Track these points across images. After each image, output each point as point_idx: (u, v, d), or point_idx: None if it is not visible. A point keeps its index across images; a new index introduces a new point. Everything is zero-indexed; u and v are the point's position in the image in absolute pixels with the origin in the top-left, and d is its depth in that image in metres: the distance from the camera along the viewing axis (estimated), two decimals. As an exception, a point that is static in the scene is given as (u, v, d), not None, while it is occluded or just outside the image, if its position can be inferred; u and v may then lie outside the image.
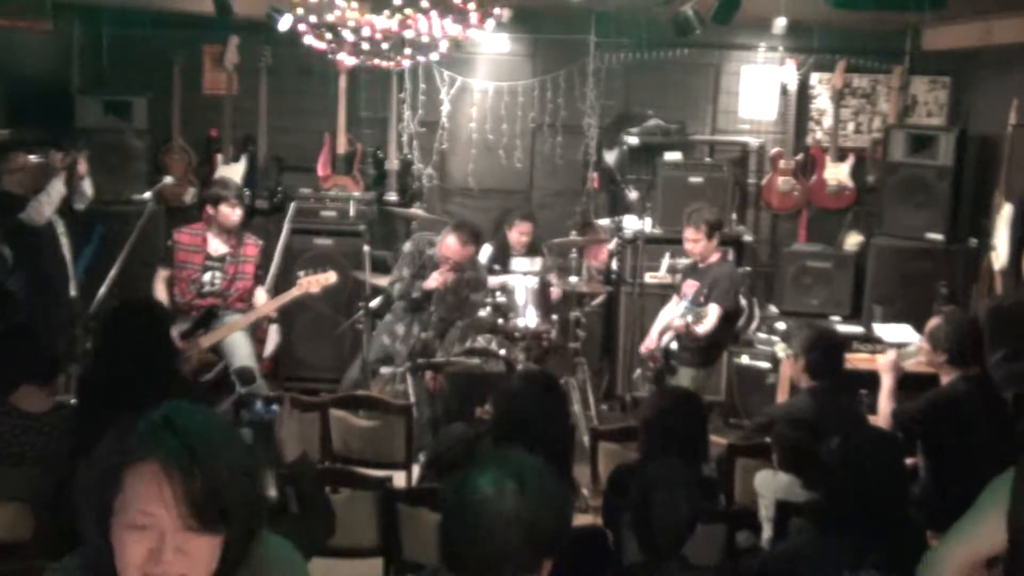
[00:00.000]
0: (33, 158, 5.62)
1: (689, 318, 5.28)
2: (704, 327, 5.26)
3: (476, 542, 1.77)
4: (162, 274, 5.61)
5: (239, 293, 5.68)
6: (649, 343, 5.77)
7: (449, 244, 5.59)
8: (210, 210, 5.62)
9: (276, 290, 6.01)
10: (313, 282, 5.52)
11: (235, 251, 5.66)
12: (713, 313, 5.31)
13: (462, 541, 1.80)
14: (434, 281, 5.59)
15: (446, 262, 5.60)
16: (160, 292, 5.56)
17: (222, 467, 1.43)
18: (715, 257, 5.67)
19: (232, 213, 5.57)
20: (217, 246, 5.64)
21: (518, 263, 6.76)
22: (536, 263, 6.76)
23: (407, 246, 5.79)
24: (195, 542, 1.42)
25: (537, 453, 1.93)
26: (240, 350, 5.51)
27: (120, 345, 3.59)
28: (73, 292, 5.64)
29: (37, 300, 5.52)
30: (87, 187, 5.86)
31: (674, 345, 5.59)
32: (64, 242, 5.78)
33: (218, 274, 5.63)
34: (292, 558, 1.76)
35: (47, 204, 5.52)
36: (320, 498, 2.82)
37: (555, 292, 6.55)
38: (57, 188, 5.59)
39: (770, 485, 3.51)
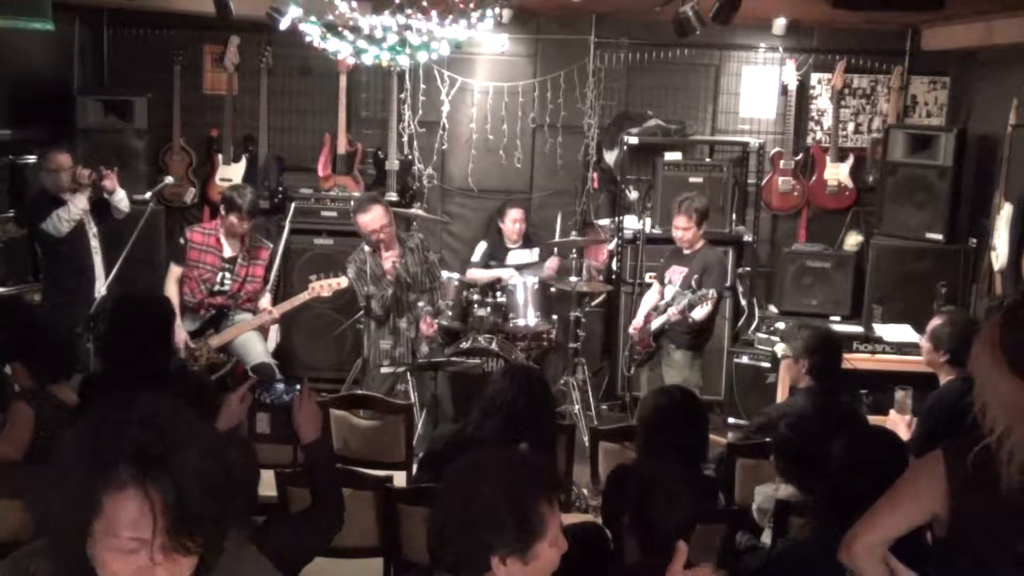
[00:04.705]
0: (69, 159, 5.63)
1: (684, 304, 5.36)
2: (701, 313, 5.31)
3: (430, 543, 1.96)
4: (175, 272, 5.64)
5: (249, 294, 5.70)
6: (637, 324, 5.86)
7: (369, 223, 5.45)
8: (222, 210, 5.65)
9: (277, 289, 6.02)
10: (324, 286, 5.54)
11: (247, 254, 5.68)
12: (711, 299, 5.31)
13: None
14: (388, 263, 5.48)
15: (381, 239, 5.48)
16: (172, 289, 5.59)
17: (200, 479, 1.43)
18: (700, 244, 5.73)
19: (239, 225, 5.59)
20: (230, 248, 5.67)
21: (514, 255, 6.77)
22: (534, 254, 6.78)
23: (350, 273, 5.64)
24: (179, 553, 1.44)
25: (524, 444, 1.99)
26: (255, 348, 5.56)
27: (120, 339, 3.64)
28: (101, 292, 5.64)
29: (54, 302, 5.53)
30: (120, 201, 5.76)
31: (654, 325, 5.69)
32: (95, 244, 5.77)
33: (228, 275, 5.65)
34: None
35: (66, 221, 5.52)
36: (333, 484, 2.84)
37: (551, 265, 6.58)
38: (79, 204, 5.58)
39: (770, 499, 3.49)
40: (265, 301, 5.73)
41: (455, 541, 1.87)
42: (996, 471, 2.17)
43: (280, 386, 2.87)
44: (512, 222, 6.77)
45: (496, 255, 6.79)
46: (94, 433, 1.44)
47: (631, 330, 5.95)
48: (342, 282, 5.60)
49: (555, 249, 6.75)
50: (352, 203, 6.07)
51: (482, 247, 6.86)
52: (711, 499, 3.52)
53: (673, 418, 3.41)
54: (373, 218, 5.47)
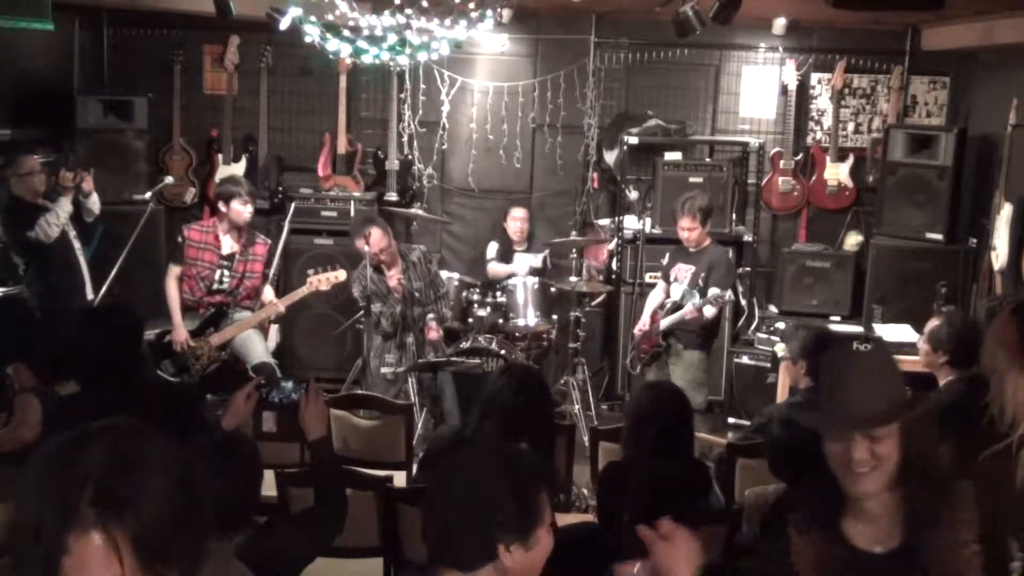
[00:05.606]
0: (40, 161, 5.57)
1: (696, 302, 5.42)
2: (711, 311, 5.44)
3: (430, 539, 1.99)
4: (174, 271, 5.62)
5: (248, 291, 5.70)
6: (642, 325, 5.86)
7: (373, 243, 5.57)
8: (222, 207, 5.63)
9: (276, 290, 6.02)
10: (323, 280, 5.54)
11: (244, 250, 5.67)
12: (723, 300, 5.46)
13: None
14: (394, 281, 5.60)
15: (382, 260, 5.61)
16: (172, 289, 5.58)
17: (167, 511, 1.41)
18: (707, 242, 5.74)
19: (244, 210, 5.58)
20: (228, 244, 5.65)
21: (520, 259, 6.79)
22: (538, 259, 6.79)
23: (355, 292, 5.75)
24: None
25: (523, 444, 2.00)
26: (256, 347, 5.55)
27: (89, 350, 3.45)
28: (89, 296, 5.64)
29: (49, 308, 5.52)
30: (94, 204, 5.73)
31: (663, 324, 5.68)
32: (77, 246, 5.74)
33: (226, 272, 5.64)
34: None
35: (55, 224, 5.45)
36: (337, 483, 2.84)
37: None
38: (64, 207, 5.52)
39: (760, 497, 3.48)
40: (269, 294, 5.73)
41: (461, 534, 1.90)
42: (1007, 465, 2.17)
43: (289, 384, 2.91)
44: (515, 221, 6.78)
45: (505, 257, 6.83)
46: (54, 472, 1.40)
47: (636, 330, 5.94)
48: (340, 276, 5.61)
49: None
50: (351, 222, 6.10)
51: (494, 246, 6.90)
52: (707, 490, 3.51)
53: (655, 413, 3.39)
54: (372, 242, 5.55)
